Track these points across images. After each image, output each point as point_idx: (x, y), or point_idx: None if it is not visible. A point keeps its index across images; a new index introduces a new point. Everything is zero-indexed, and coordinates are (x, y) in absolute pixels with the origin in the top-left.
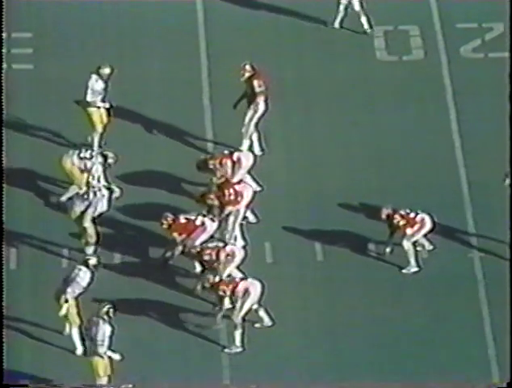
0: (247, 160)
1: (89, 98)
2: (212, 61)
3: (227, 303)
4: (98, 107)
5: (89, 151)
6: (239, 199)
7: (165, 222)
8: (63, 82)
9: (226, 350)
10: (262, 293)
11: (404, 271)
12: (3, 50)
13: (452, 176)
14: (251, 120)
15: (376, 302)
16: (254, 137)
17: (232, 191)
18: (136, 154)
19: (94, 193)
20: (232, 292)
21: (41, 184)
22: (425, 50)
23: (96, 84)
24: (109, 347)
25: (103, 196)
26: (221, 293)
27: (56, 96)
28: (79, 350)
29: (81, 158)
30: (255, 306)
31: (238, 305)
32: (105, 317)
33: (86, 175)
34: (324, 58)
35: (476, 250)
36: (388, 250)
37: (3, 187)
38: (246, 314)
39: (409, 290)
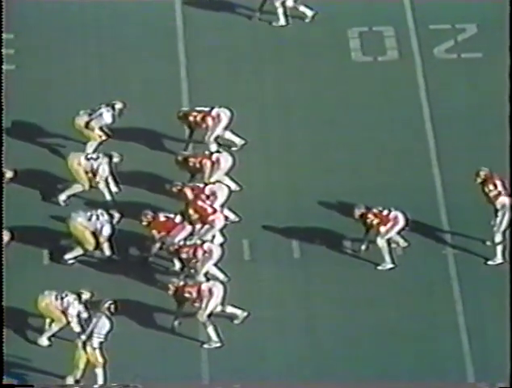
0: (226, 162)
1: (93, 123)
2: (191, 61)
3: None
4: (99, 130)
5: (95, 152)
6: (211, 211)
7: (144, 219)
8: (45, 82)
9: (205, 345)
10: (225, 295)
11: (379, 267)
12: None
13: (426, 175)
14: (209, 136)
15: (352, 299)
16: (228, 135)
17: (200, 208)
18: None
19: (97, 217)
20: (198, 292)
21: (23, 181)
22: (400, 51)
23: (106, 115)
24: (101, 344)
25: (106, 220)
26: (187, 295)
27: (39, 96)
28: (44, 341)
29: (88, 159)
30: (220, 308)
31: (203, 304)
32: (107, 312)
33: (90, 175)
34: (300, 59)
35: (449, 248)
36: (363, 247)
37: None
38: (211, 313)
39: (384, 286)
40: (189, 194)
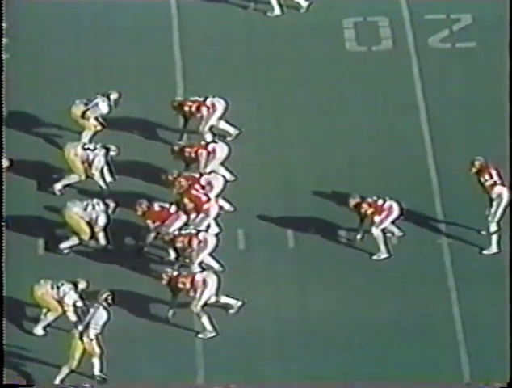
0: (222, 151)
1: (89, 113)
2: (186, 51)
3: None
4: (94, 120)
5: (92, 143)
6: (205, 199)
7: (139, 209)
8: (40, 71)
9: (200, 335)
10: (219, 285)
11: (374, 257)
12: None
13: (421, 164)
14: (204, 126)
15: (347, 288)
16: (223, 125)
17: (194, 197)
18: (112, 144)
19: (93, 206)
20: (192, 283)
21: (19, 171)
22: (394, 40)
23: (102, 105)
24: (98, 335)
25: (102, 210)
26: (181, 285)
27: (33, 86)
28: (39, 331)
29: (84, 149)
30: (214, 298)
31: (197, 295)
32: (104, 303)
33: (85, 165)
34: (295, 49)
35: (444, 237)
36: (358, 237)
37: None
38: (205, 304)
39: (379, 276)
40: (184, 183)
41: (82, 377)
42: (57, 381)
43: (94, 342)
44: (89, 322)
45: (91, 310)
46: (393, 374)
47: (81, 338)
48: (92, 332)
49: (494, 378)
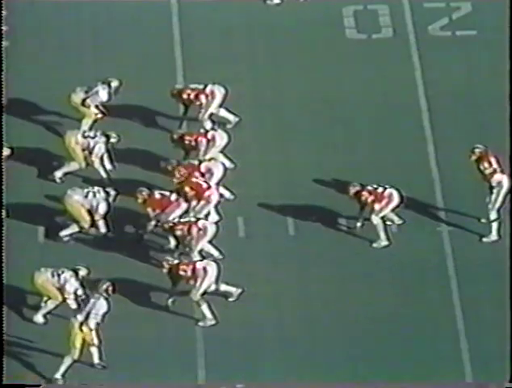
0: (221, 139)
1: (89, 100)
2: (185, 38)
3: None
4: (95, 108)
5: (92, 130)
6: (206, 187)
7: (140, 197)
8: (39, 58)
9: (200, 323)
10: (219, 274)
11: (374, 245)
12: None
13: (421, 152)
14: (204, 114)
15: (347, 276)
16: (223, 113)
17: (195, 185)
18: (112, 132)
19: (94, 194)
20: (193, 271)
21: (19, 159)
22: (394, 29)
23: (102, 92)
24: (98, 325)
25: (102, 198)
26: (182, 272)
27: (33, 73)
28: (39, 319)
29: (84, 137)
30: (214, 286)
31: (197, 283)
32: (104, 294)
33: (86, 152)
34: (294, 36)
35: (444, 225)
36: (358, 224)
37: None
38: (204, 292)
39: (379, 264)
40: (183, 172)
41: (83, 365)
42: (61, 372)
43: (94, 332)
44: (89, 312)
45: (92, 301)
46: (393, 368)
47: (81, 328)
48: (92, 322)
49: (495, 370)
